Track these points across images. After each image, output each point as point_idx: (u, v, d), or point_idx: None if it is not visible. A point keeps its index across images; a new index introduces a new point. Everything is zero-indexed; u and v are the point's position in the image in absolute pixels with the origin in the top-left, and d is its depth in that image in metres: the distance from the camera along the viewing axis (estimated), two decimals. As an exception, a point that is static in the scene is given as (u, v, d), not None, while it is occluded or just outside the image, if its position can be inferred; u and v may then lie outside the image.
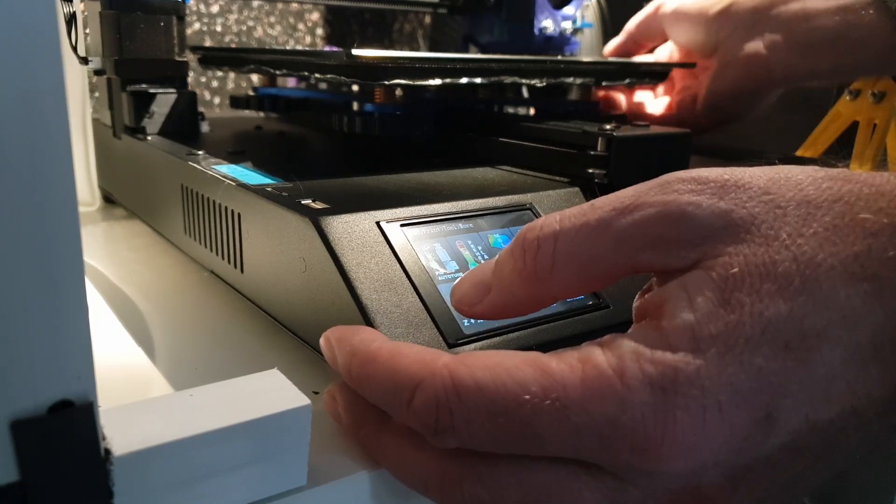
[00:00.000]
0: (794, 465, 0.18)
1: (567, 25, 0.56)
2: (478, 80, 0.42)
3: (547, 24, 0.55)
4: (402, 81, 0.40)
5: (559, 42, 0.57)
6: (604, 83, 0.51)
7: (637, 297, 0.21)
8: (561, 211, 0.21)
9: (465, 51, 0.65)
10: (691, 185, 0.19)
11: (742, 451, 0.17)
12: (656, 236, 0.19)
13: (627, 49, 0.61)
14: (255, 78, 0.68)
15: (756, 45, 0.50)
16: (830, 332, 0.17)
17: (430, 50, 0.93)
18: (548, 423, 0.18)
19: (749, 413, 0.17)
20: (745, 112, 0.54)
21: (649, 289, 0.21)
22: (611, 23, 0.69)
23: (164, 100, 0.48)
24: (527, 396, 0.18)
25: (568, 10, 0.56)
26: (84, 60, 0.47)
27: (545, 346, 0.26)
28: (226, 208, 0.34)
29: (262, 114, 0.64)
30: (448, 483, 0.20)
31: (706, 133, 0.56)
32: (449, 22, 0.77)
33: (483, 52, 0.61)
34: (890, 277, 0.17)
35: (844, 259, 0.17)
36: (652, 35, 0.59)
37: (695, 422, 0.17)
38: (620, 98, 0.61)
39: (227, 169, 0.37)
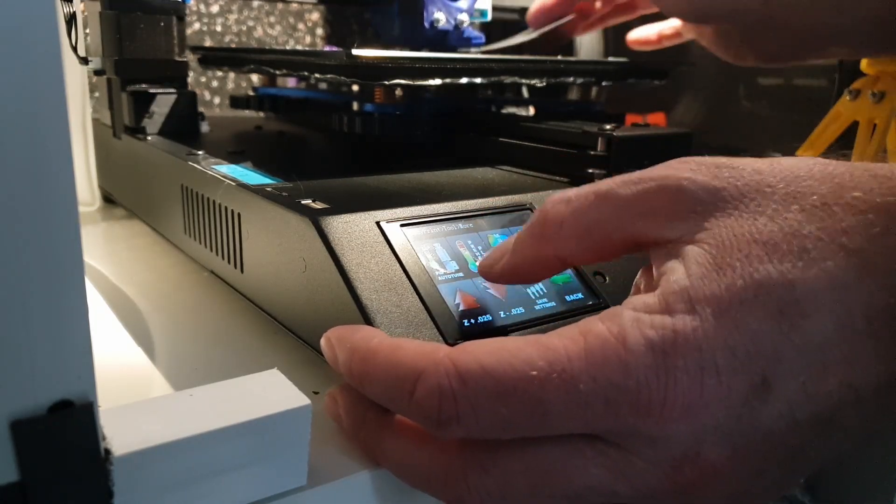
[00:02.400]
0: (793, 439, 0.18)
1: (464, 18, 0.52)
2: (478, 80, 0.42)
3: (439, 16, 0.51)
4: (402, 81, 0.40)
5: (456, 37, 0.53)
6: (604, 83, 0.51)
7: (638, 275, 0.23)
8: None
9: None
10: (690, 165, 0.21)
11: (740, 416, 0.18)
12: (654, 206, 0.21)
13: None
14: (255, 78, 0.68)
15: None
16: (822, 301, 0.18)
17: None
18: (556, 395, 0.18)
19: (745, 376, 0.18)
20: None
21: (649, 268, 0.22)
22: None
23: (164, 100, 0.48)
24: (534, 373, 0.18)
25: (462, 2, 0.51)
26: (84, 60, 0.47)
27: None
28: (226, 208, 0.34)
29: (262, 114, 0.64)
30: (452, 477, 0.20)
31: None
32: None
33: (386, 47, 0.56)
34: (876, 252, 0.17)
35: (832, 232, 0.18)
36: None
37: (693, 383, 0.18)
38: None
39: (227, 169, 0.37)
